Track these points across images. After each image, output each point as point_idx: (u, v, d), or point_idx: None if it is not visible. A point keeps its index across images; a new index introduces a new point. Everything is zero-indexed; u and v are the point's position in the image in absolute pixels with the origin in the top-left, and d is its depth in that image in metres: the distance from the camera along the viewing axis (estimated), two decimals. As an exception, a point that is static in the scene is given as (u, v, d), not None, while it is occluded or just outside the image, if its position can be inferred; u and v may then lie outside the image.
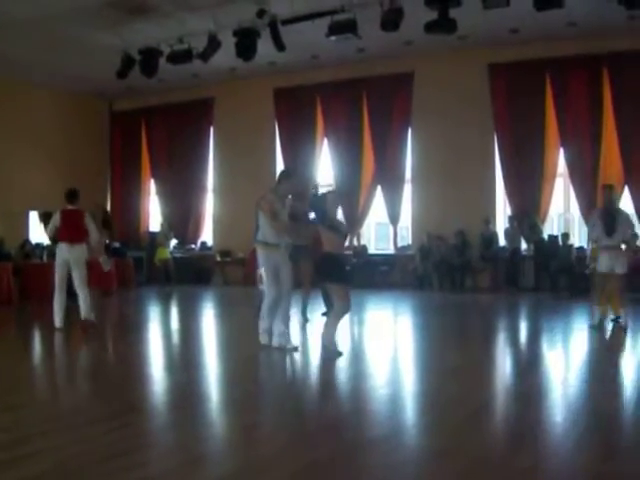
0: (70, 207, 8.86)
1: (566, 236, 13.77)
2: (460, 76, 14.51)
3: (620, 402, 4.99)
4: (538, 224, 13.98)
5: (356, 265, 15.09)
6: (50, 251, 15.04)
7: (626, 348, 7.48)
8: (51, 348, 8.14)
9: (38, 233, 16.13)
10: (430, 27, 10.75)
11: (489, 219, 14.47)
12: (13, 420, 4.43)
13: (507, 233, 14.34)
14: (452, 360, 6.75)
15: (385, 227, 16.62)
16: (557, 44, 13.28)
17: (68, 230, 8.77)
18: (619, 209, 9.04)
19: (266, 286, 7.15)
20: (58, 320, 8.74)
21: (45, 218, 10.15)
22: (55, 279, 8.84)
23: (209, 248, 17.86)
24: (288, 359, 6.74)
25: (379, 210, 16.00)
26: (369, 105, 15.64)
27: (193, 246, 17.98)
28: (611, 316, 8.54)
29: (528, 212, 14.02)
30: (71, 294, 8.95)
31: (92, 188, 16.24)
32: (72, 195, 8.91)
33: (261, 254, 7.09)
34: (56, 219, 8.83)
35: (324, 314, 8.95)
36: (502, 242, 14.43)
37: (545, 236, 14.12)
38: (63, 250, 8.78)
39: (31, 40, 12.86)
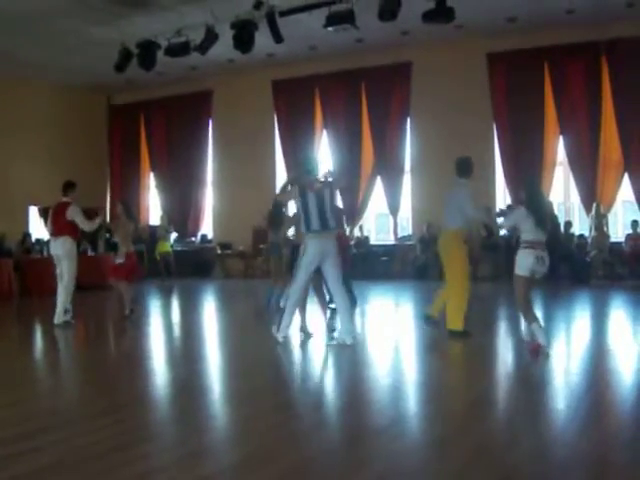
0: (63, 200, 8.78)
1: (569, 224, 13.72)
2: (458, 65, 14.46)
3: (621, 391, 5.00)
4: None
5: (357, 256, 15.10)
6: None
7: (627, 337, 7.49)
8: (52, 343, 8.16)
9: (38, 228, 16.19)
10: (428, 16, 10.72)
11: (489, 208, 14.42)
12: (14, 415, 4.44)
13: (508, 222, 14.28)
14: (453, 349, 6.76)
15: (385, 218, 16.63)
16: (555, 32, 13.23)
17: (51, 224, 8.82)
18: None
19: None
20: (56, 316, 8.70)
21: (44, 213, 10.20)
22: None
23: (209, 241, 17.87)
24: (288, 351, 6.75)
25: (379, 201, 16.00)
26: (368, 96, 15.61)
27: (193, 239, 17.99)
28: None
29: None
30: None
31: (91, 182, 16.24)
32: (65, 187, 8.85)
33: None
34: (49, 213, 8.94)
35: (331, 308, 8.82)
36: (502, 231, 14.39)
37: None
38: (50, 244, 8.97)
39: (29, 34, 12.82)
